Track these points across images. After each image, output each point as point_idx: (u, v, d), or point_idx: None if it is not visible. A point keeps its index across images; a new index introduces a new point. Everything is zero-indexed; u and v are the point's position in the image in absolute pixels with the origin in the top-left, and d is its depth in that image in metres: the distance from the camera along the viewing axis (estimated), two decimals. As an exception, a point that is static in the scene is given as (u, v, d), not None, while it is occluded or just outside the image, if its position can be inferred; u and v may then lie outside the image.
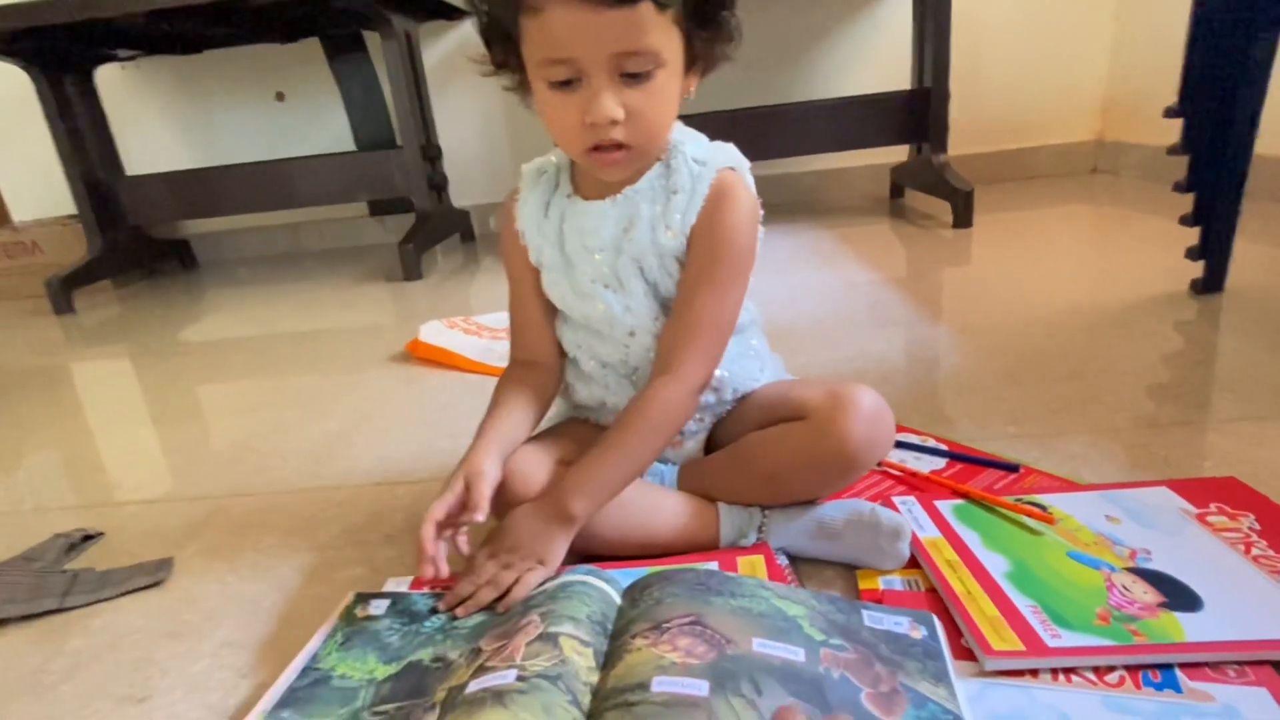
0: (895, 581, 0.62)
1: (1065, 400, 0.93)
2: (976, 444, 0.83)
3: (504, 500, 0.65)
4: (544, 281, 0.71)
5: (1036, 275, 1.49)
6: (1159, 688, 0.48)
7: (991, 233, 1.88)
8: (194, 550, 0.82)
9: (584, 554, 0.66)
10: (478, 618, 0.59)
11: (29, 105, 2.17)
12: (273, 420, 1.18)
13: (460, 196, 2.66)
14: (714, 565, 0.64)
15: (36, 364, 1.72)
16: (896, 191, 2.49)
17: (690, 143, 0.66)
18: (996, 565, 0.61)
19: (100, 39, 2.20)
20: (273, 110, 2.68)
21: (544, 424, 0.76)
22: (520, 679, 0.48)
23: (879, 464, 0.79)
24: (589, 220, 0.66)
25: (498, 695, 0.46)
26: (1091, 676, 0.50)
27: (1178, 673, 0.49)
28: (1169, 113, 1.16)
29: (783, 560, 0.65)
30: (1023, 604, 0.56)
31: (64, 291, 2.18)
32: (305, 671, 0.57)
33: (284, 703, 0.54)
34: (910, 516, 0.68)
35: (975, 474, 0.77)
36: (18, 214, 2.76)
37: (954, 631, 0.55)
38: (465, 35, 2.51)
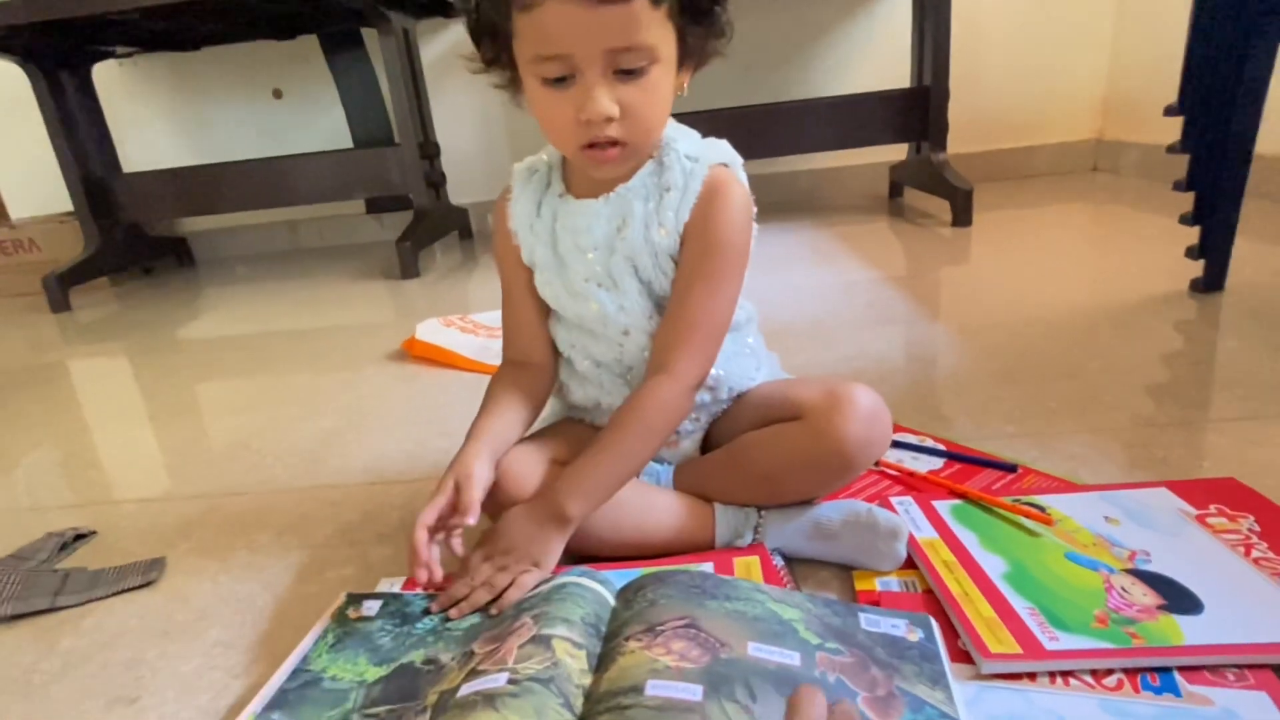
0: (892, 583, 0.61)
1: (1064, 400, 0.92)
2: (974, 444, 0.83)
3: (498, 501, 0.64)
4: (537, 281, 0.70)
5: (1036, 274, 1.49)
6: (1158, 691, 0.48)
7: (991, 232, 1.88)
8: (186, 549, 0.81)
9: (579, 554, 0.65)
10: (471, 620, 0.59)
11: (26, 102, 2.17)
12: (268, 418, 1.17)
13: (458, 194, 2.65)
14: (709, 566, 0.63)
15: (33, 362, 1.71)
16: (895, 190, 2.48)
17: (682, 139, 0.66)
18: (994, 566, 0.60)
19: (98, 36, 2.19)
20: (270, 107, 2.67)
21: (538, 424, 0.75)
22: (512, 682, 0.47)
23: (876, 464, 0.78)
24: (581, 219, 0.66)
25: (489, 698, 0.46)
26: (1089, 680, 0.49)
27: (1176, 676, 0.49)
28: (1169, 111, 1.15)
29: (778, 561, 0.65)
30: (1020, 606, 0.55)
31: (61, 289, 2.17)
32: (296, 673, 0.57)
33: (274, 704, 0.54)
34: (907, 517, 0.67)
35: (973, 474, 0.76)
36: (15, 211, 2.76)
37: (951, 633, 0.54)
38: (463, 32, 2.44)
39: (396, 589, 0.66)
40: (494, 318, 1.42)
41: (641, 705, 0.45)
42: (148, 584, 0.75)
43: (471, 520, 0.60)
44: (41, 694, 0.62)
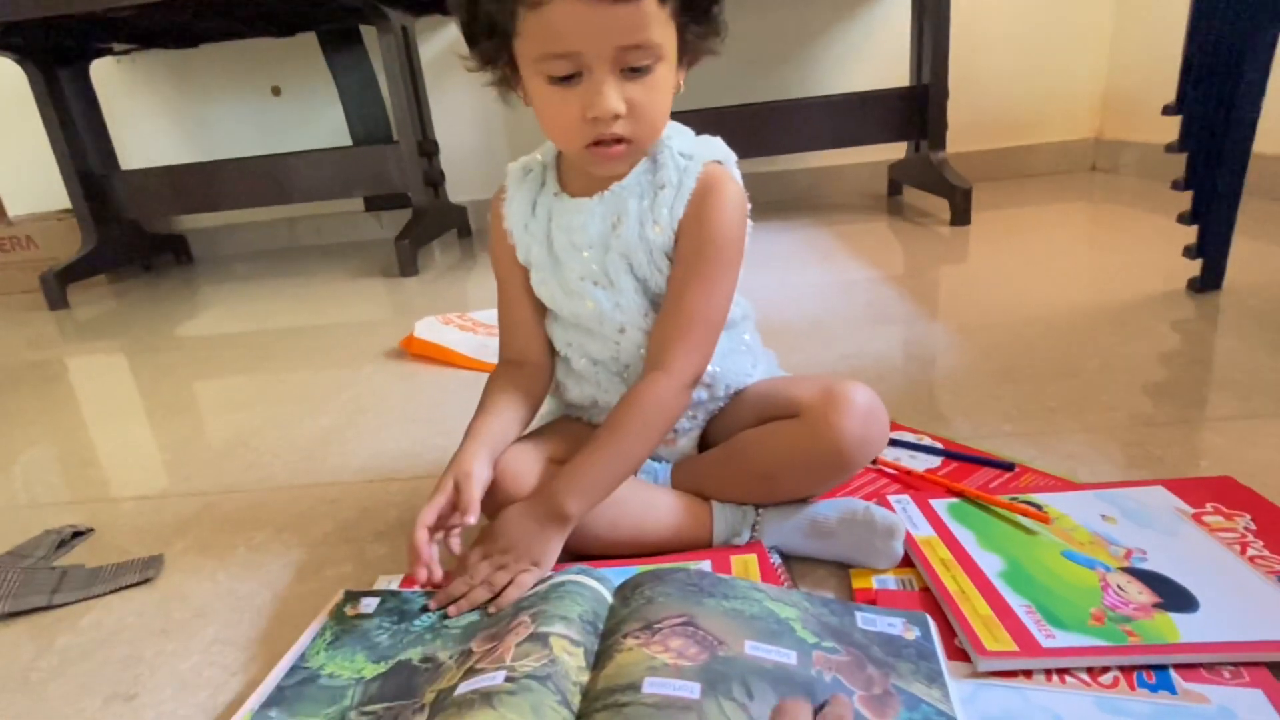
0: (889, 580, 0.62)
1: (1061, 399, 0.92)
2: (972, 442, 0.83)
3: (495, 500, 0.64)
4: (533, 280, 0.70)
5: (1034, 273, 1.49)
6: (1153, 689, 0.48)
7: (989, 230, 1.88)
8: (184, 547, 0.81)
9: (576, 552, 0.66)
10: (469, 618, 0.59)
11: (24, 99, 2.16)
12: (266, 416, 1.17)
13: (457, 192, 2.65)
14: (707, 564, 0.63)
15: (30, 359, 1.71)
16: (894, 189, 2.48)
17: (676, 137, 0.66)
18: (991, 564, 0.60)
19: (96, 32, 2.18)
20: (269, 105, 2.67)
21: (535, 423, 0.75)
22: (509, 679, 0.47)
23: (873, 462, 0.78)
24: (576, 217, 0.66)
25: (486, 696, 0.46)
26: (1085, 677, 0.49)
27: (1172, 674, 0.49)
28: (1167, 110, 1.15)
29: (776, 559, 0.65)
30: (1017, 604, 0.55)
31: (59, 286, 2.17)
32: (293, 670, 0.57)
33: (271, 701, 0.54)
34: (905, 515, 0.67)
35: (970, 472, 0.76)
36: (12, 208, 2.75)
37: (948, 631, 0.55)
38: (462, 30, 2.49)
39: (394, 586, 0.66)
40: (492, 315, 1.41)
41: (639, 703, 0.45)
42: (145, 581, 0.75)
43: (471, 519, 0.61)
44: (39, 691, 0.62)
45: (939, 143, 2.06)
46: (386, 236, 2.64)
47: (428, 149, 2.38)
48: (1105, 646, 0.51)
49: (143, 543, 0.83)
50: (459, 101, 2.58)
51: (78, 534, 0.86)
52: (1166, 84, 1.15)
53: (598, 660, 0.51)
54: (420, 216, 2.19)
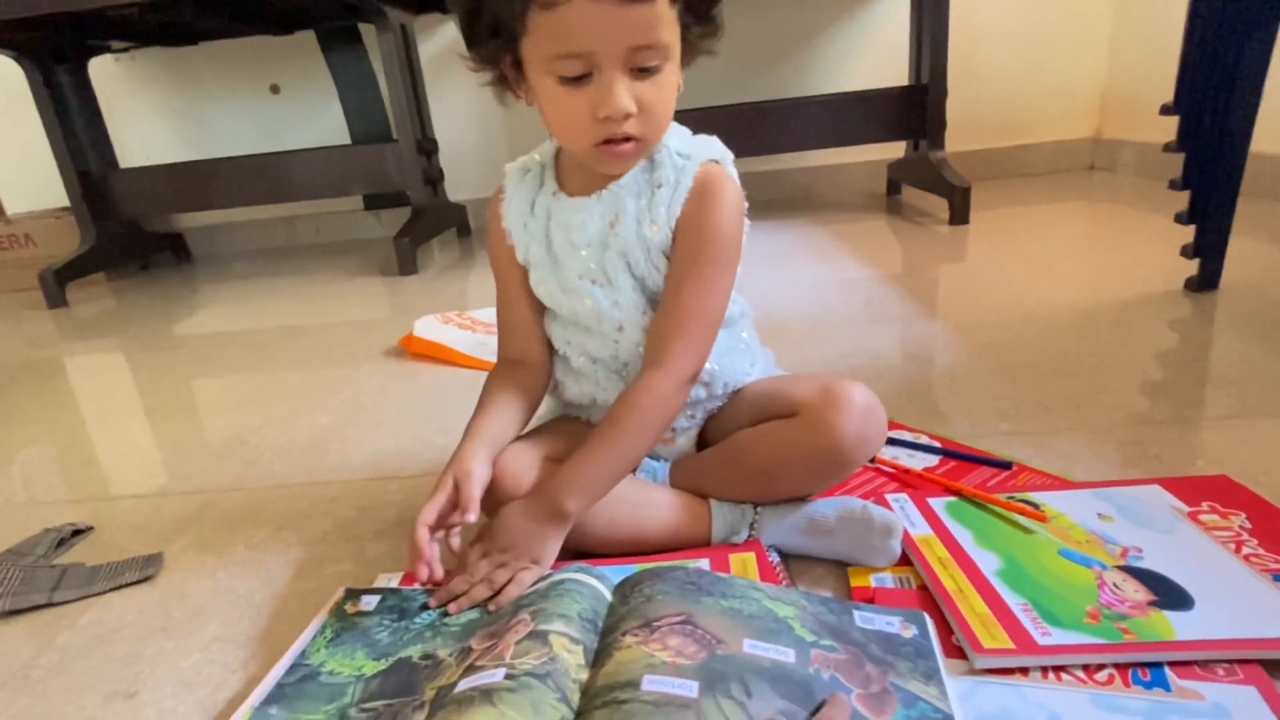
0: (887, 579, 0.62)
1: (1059, 398, 0.93)
2: (970, 441, 0.83)
3: (494, 498, 0.64)
4: (531, 279, 0.70)
5: (1032, 272, 1.49)
6: (1148, 686, 0.48)
7: (988, 229, 1.88)
8: (184, 545, 0.81)
9: (575, 550, 0.66)
10: (469, 615, 0.59)
11: (22, 97, 2.16)
12: (265, 414, 1.17)
13: (456, 190, 2.65)
14: (705, 563, 0.64)
15: (29, 357, 1.71)
16: (893, 188, 2.48)
17: (674, 136, 0.66)
18: (988, 563, 0.61)
19: (94, 30, 2.18)
20: (268, 103, 2.66)
21: (534, 421, 0.75)
22: (509, 677, 0.47)
23: (871, 461, 0.79)
24: (575, 216, 0.66)
25: (486, 694, 0.46)
26: (1081, 675, 0.50)
27: (1167, 671, 0.49)
28: (1165, 110, 1.16)
29: (774, 557, 0.65)
30: (1014, 602, 0.56)
31: (57, 284, 2.16)
32: (294, 667, 0.57)
33: (271, 699, 0.54)
34: (902, 513, 0.68)
35: (968, 471, 0.77)
36: (11, 206, 2.75)
37: (945, 629, 0.55)
38: (461, 28, 2.49)
39: (394, 584, 0.67)
40: (491, 314, 1.41)
41: (638, 700, 0.45)
42: (145, 579, 0.75)
43: (471, 518, 0.61)
44: (39, 689, 0.62)
45: (938, 142, 2.07)
46: (385, 235, 2.64)
47: (427, 147, 2.38)
48: (1101, 644, 0.51)
49: (142, 541, 0.83)
50: (458, 100, 2.58)
51: (77, 532, 0.86)
52: (1165, 84, 1.15)
53: (597, 658, 0.51)
54: (419, 215, 2.19)
